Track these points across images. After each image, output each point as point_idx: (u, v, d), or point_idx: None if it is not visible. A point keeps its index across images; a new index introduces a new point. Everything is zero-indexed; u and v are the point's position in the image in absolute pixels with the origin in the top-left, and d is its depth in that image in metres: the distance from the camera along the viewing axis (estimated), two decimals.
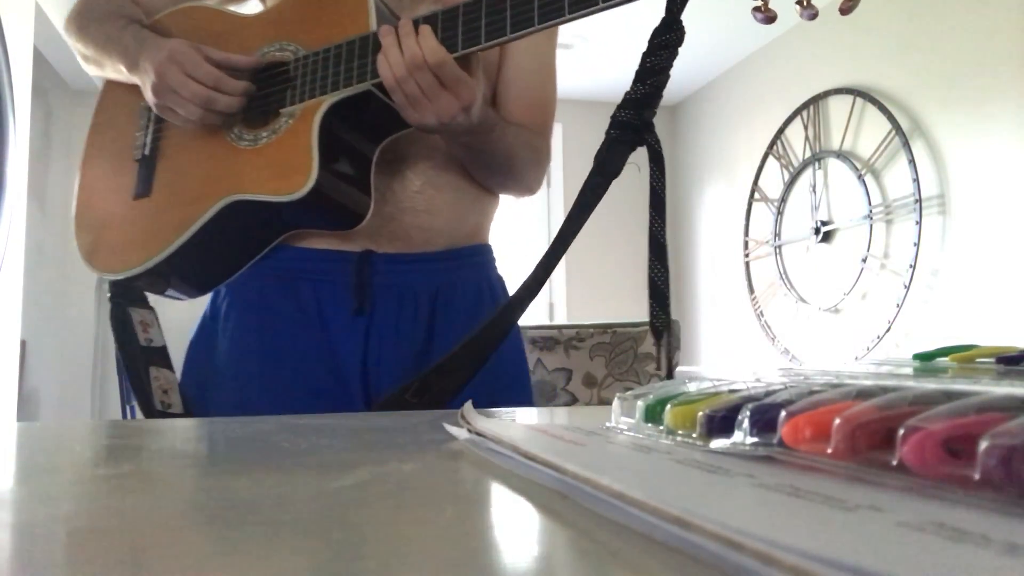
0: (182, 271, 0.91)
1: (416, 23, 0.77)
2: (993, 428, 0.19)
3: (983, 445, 0.19)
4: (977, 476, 0.19)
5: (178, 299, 0.99)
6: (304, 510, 0.25)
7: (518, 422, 0.49)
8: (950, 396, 0.23)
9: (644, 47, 0.71)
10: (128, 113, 0.97)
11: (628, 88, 0.71)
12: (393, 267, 0.89)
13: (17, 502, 0.28)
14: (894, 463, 0.22)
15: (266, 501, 0.27)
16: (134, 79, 0.91)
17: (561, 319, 4.55)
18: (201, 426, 0.57)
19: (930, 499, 0.20)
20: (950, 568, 0.14)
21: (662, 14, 0.70)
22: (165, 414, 0.87)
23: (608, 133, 0.72)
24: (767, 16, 0.70)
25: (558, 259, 0.76)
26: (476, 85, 0.78)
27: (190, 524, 0.24)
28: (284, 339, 0.89)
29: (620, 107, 0.72)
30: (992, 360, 0.35)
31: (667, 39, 0.70)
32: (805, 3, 0.70)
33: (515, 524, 0.24)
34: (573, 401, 1.51)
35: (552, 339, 1.59)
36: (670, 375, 0.75)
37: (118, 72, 0.94)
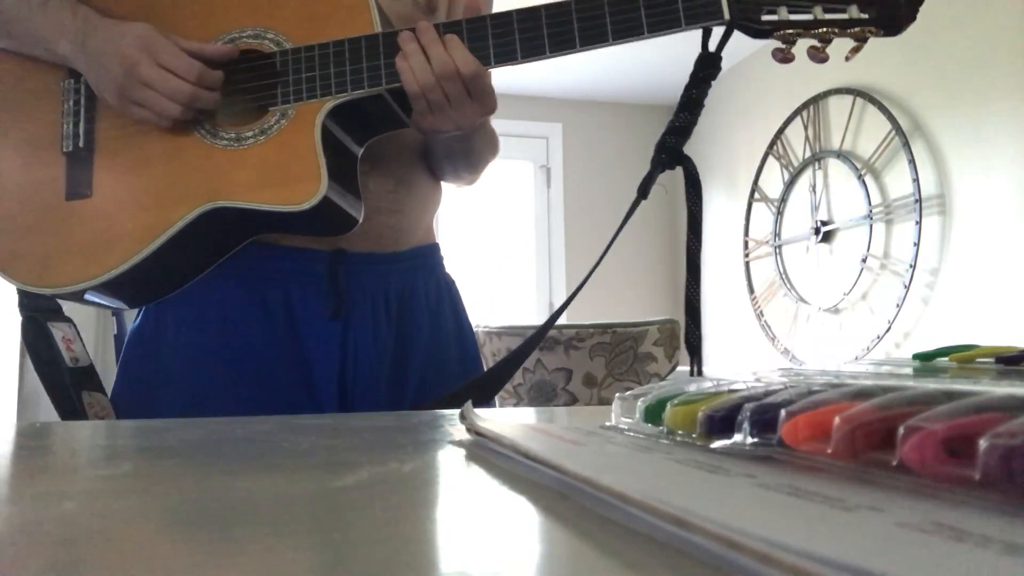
0: (136, 283, 0.81)
1: (439, 30, 0.74)
2: (993, 428, 0.19)
3: (983, 445, 0.19)
4: (977, 476, 0.19)
5: (106, 308, 0.88)
6: (304, 510, 0.25)
7: (518, 422, 0.49)
8: (950, 396, 0.23)
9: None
10: (37, 93, 0.83)
11: (673, 116, 0.77)
12: (366, 267, 0.85)
13: (17, 502, 0.28)
14: (894, 463, 0.22)
15: (266, 501, 0.27)
16: (71, 64, 0.80)
17: (561, 319, 4.54)
18: (201, 426, 0.57)
19: (930, 499, 0.20)
20: (950, 568, 0.14)
21: (703, 49, 0.76)
22: None
23: (658, 158, 0.76)
24: (786, 57, 0.74)
25: (591, 274, 0.81)
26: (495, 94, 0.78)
27: (190, 524, 0.24)
28: (250, 345, 0.81)
29: (667, 134, 0.76)
30: (992, 360, 0.35)
31: (709, 73, 0.75)
32: (821, 49, 0.74)
33: (515, 524, 0.24)
34: (573, 401, 1.51)
35: (552, 339, 1.59)
36: None
37: (39, 49, 0.81)
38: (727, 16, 0.71)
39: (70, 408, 0.79)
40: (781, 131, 3.89)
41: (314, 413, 0.79)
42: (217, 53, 0.78)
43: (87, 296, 0.82)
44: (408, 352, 0.86)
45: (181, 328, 0.83)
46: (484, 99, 0.76)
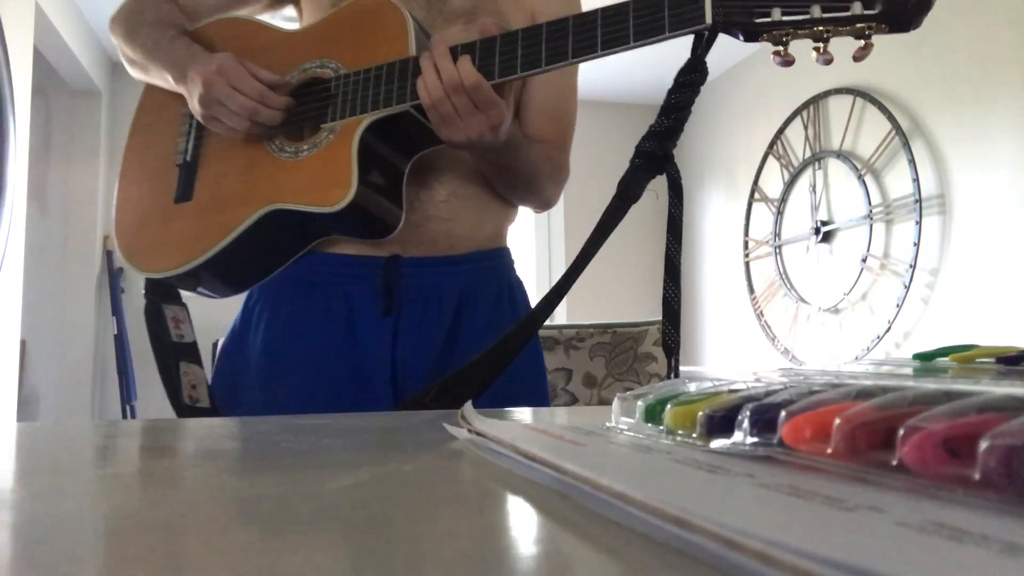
0: (219, 273, 0.95)
1: (455, 51, 0.82)
2: (993, 428, 0.19)
3: (983, 445, 0.19)
4: (977, 476, 0.19)
5: (210, 297, 1.02)
6: (304, 510, 0.25)
7: (518, 422, 0.49)
8: (950, 396, 0.23)
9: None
10: (169, 119, 1.02)
11: (655, 120, 0.77)
12: (418, 270, 0.94)
13: (17, 502, 0.28)
14: (894, 463, 0.22)
15: (266, 501, 0.27)
16: (179, 89, 0.95)
17: (561, 319, 4.55)
18: (201, 426, 0.57)
19: (930, 499, 0.20)
20: (950, 568, 0.14)
21: (690, 55, 0.74)
22: (193, 408, 0.91)
23: (633, 161, 0.77)
24: (785, 60, 0.72)
25: (578, 275, 0.80)
26: (506, 107, 0.84)
27: (189, 524, 0.24)
28: (314, 341, 0.93)
29: (645, 138, 0.77)
30: (992, 360, 0.35)
31: (691, 78, 0.74)
32: (822, 49, 0.71)
33: (515, 524, 0.24)
34: (573, 401, 1.51)
35: (552, 339, 1.59)
36: None
37: (163, 80, 0.99)
38: (709, 21, 0.71)
39: (167, 374, 0.92)
40: (781, 131, 3.89)
41: (370, 403, 0.89)
42: (282, 81, 0.92)
43: (185, 283, 0.96)
44: (456, 350, 0.94)
45: (261, 325, 0.96)
46: (489, 110, 0.82)
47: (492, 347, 0.79)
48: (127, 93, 4.15)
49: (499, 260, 1.03)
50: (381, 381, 0.91)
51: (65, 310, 3.91)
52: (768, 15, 0.70)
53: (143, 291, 0.97)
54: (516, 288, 1.04)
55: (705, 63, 0.74)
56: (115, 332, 3.92)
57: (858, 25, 0.68)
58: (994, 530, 0.16)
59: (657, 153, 0.76)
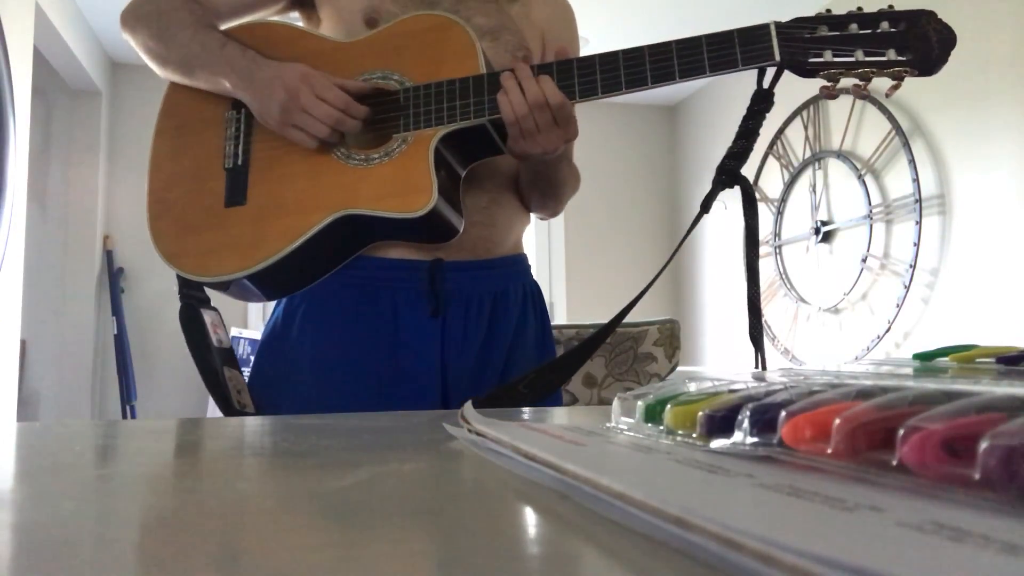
0: (274, 278, 0.96)
1: (534, 71, 0.88)
2: (993, 428, 0.19)
3: (983, 445, 0.19)
4: (977, 476, 0.19)
5: (243, 300, 1.03)
6: (304, 510, 0.25)
7: (518, 422, 0.49)
8: (950, 396, 0.23)
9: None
10: (206, 122, 1.01)
11: (731, 143, 0.89)
12: (460, 274, 0.99)
13: (17, 502, 0.28)
14: (894, 463, 0.22)
15: (266, 501, 0.27)
16: (237, 94, 0.96)
17: (561, 319, 4.55)
18: (201, 427, 0.57)
19: (930, 499, 0.20)
20: (950, 568, 0.14)
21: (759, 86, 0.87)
22: (242, 414, 0.93)
23: (719, 178, 0.88)
24: (830, 95, 0.85)
25: (660, 272, 0.92)
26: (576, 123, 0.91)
27: (189, 524, 0.24)
28: (362, 342, 0.96)
29: (727, 158, 0.87)
30: (992, 360, 0.35)
31: (763, 107, 0.87)
32: (864, 87, 0.84)
33: (515, 524, 0.24)
34: (573, 401, 1.51)
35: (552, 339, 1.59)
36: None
37: (212, 84, 0.98)
38: (778, 58, 0.84)
39: (214, 379, 0.95)
40: (781, 131, 3.89)
41: (417, 401, 0.93)
42: (356, 87, 0.94)
43: (232, 287, 0.97)
44: (493, 350, 1.00)
45: (306, 327, 0.98)
46: (568, 126, 0.90)
47: (586, 340, 0.89)
48: (127, 93, 4.14)
49: (523, 265, 1.10)
50: (430, 381, 0.95)
51: (65, 310, 3.91)
52: (821, 56, 0.83)
53: (178, 296, 0.97)
54: (535, 291, 1.10)
55: (773, 94, 0.87)
56: (115, 332, 3.92)
57: (893, 68, 0.82)
58: (994, 530, 0.16)
59: (736, 171, 0.87)
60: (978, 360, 0.36)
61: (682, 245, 0.89)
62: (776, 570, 0.15)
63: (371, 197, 0.90)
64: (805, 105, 3.71)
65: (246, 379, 1.01)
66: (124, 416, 3.88)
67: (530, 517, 0.25)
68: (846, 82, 0.86)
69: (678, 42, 0.86)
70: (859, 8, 0.85)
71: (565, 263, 4.57)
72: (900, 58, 0.82)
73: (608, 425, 0.38)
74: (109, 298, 3.98)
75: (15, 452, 0.43)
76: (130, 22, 1.04)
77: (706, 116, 4.48)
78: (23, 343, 3.53)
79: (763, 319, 0.84)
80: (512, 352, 1.02)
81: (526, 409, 0.78)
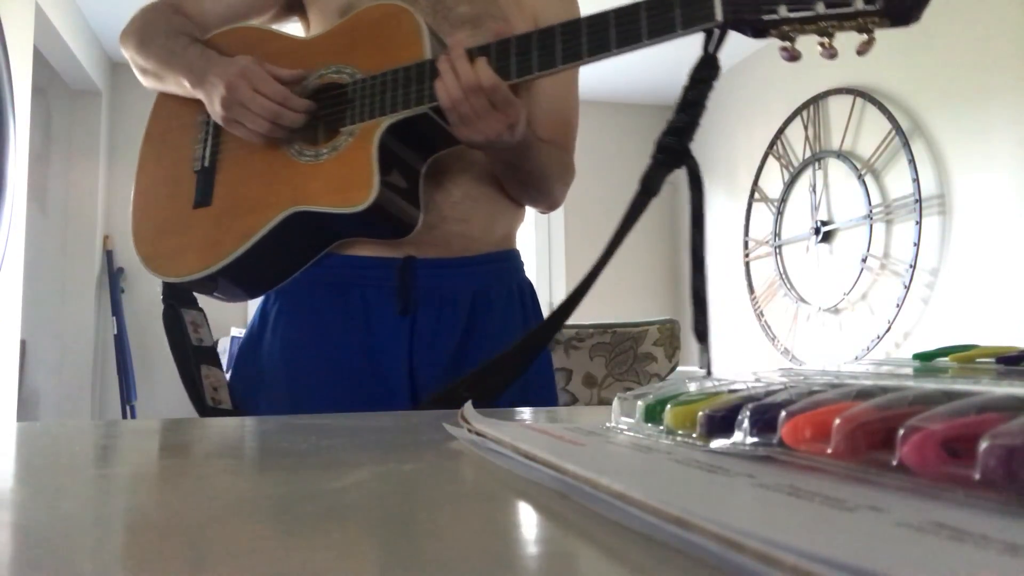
0: (238, 276, 0.96)
1: (472, 54, 0.84)
2: (993, 428, 0.19)
3: (983, 445, 0.19)
4: (977, 476, 0.19)
5: (226, 301, 1.03)
6: (304, 510, 0.25)
7: (518, 422, 0.49)
8: (950, 396, 0.23)
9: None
10: (184, 126, 1.02)
11: (672, 116, 0.78)
12: (434, 271, 0.96)
13: (17, 502, 0.28)
14: (894, 463, 0.22)
15: (266, 501, 0.27)
16: (196, 94, 0.96)
17: None
18: (202, 427, 0.57)
19: (930, 499, 0.20)
20: (950, 568, 0.14)
21: (702, 52, 0.76)
22: (216, 411, 0.93)
23: (654, 157, 0.79)
24: (792, 55, 0.74)
25: (602, 269, 0.82)
26: (521, 107, 0.86)
27: (189, 524, 0.24)
28: (332, 340, 0.94)
29: (665, 134, 0.79)
30: (992, 360, 0.35)
31: (706, 74, 0.77)
32: (827, 44, 0.73)
33: (515, 524, 0.24)
34: (573, 401, 1.51)
35: (552, 339, 1.59)
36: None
37: (180, 87, 0.99)
38: (720, 18, 0.73)
39: (188, 377, 0.94)
40: (781, 131, 3.89)
41: (388, 400, 0.91)
42: (293, 77, 0.92)
43: (207, 287, 0.97)
44: (471, 351, 0.95)
45: (279, 326, 0.97)
46: (507, 110, 0.84)
47: (522, 340, 0.82)
48: (127, 93, 4.15)
49: (510, 262, 1.06)
50: (399, 381, 0.93)
51: (65, 310, 3.91)
52: (775, 12, 0.72)
53: (160, 297, 0.98)
54: (527, 289, 1.06)
55: (717, 59, 0.76)
56: (115, 332, 3.92)
57: (860, 20, 0.70)
58: (994, 530, 0.16)
59: (676, 148, 0.78)
60: (978, 360, 0.36)
61: (627, 233, 0.80)
62: (776, 570, 0.15)
63: (318, 193, 0.89)
64: (805, 105, 3.71)
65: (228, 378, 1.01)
66: (124, 416, 3.88)
67: (530, 517, 0.25)
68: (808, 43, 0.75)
69: (617, 10, 0.79)
70: None
71: (565, 263, 4.57)
72: (868, 7, 0.69)
73: (608, 425, 0.38)
74: (109, 298, 3.98)
75: (15, 452, 0.43)
76: (123, 39, 1.06)
77: (706, 116, 4.48)
78: (23, 343, 3.53)
79: (708, 312, 0.83)
80: (491, 353, 0.99)
81: (526, 409, 0.78)
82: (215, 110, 0.92)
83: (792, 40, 0.73)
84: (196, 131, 1.01)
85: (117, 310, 3.95)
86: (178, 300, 0.98)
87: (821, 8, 0.70)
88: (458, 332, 0.96)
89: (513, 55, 0.83)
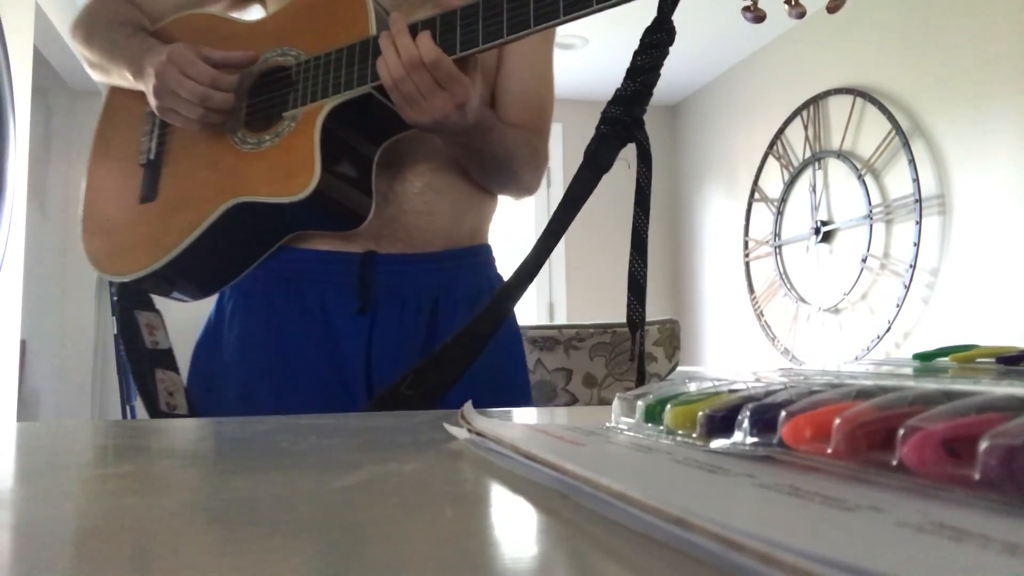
0: (188, 273, 0.92)
1: (414, 27, 0.79)
2: (993, 428, 0.19)
3: (983, 445, 0.19)
4: (977, 476, 0.19)
5: (183, 301, 0.99)
6: (304, 510, 0.25)
7: (518, 422, 0.49)
8: (950, 396, 0.23)
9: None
10: (132, 119, 0.99)
11: (620, 85, 0.73)
12: (395, 267, 0.90)
13: (17, 502, 0.28)
14: (894, 463, 0.22)
15: (266, 501, 0.27)
16: (139, 86, 0.92)
17: (561, 319, 4.55)
18: (201, 426, 0.57)
19: (930, 499, 0.20)
20: (950, 568, 0.14)
21: (656, 14, 0.71)
22: (170, 415, 0.89)
23: (598, 128, 0.74)
24: (756, 16, 0.72)
25: (549, 251, 0.76)
26: (471, 84, 0.80)
27: (189, 524, 0.24)
28: (289, 339, 0.90)
29: (610, 103, 0.73)
30: (992, 360, 0.35)
31: (657, 38, 0.71)
32: (793, 2, 0.70)
33: (515, 524, 0.24)
34: (573, 401, 1.51)
35: (552, 339, 1.59)
36: (640, 374, 0.76)
37: (124, 78, 0.95)
38: None
39: (142, 381, 0.91)
40: (781, 131, 3.89)
41: (346, 402, 0.86)
42: (236, 60, 0.88)
43: (162, 287, 0.94)
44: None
45: (235, 323, 0.93)
46: (453, 87, 0.78)
47: (462, 329, 0.75)
48: None
49: (479, 257, 0.99)
50: (356, 382, 0.88)
51: (65, 310, 3.90)
52: None
53: (114, 298, 0.95)
54: (497, 285, 0.98)
55: (672, 22, 0.71)
56: (115, 332, 3.91)
57: None
58: (994, 530, 0.16)
59: (625, 119, 0.73)
60: (978, 360, 0.36)
61: (571, 216, 0.74)
62: (776, 570, 0.15)
63: (257, 182, 0.85)
64: (805, 105, 3.71)
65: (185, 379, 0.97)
66: (124, 416, 3.87)
67: (530, 517, 0.25)
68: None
69: None
70: None
71: (565, 263, 4.57)
72: None
73: (608, 425, 0.38)
74: (109, 298, 3.98)
75: (15, 452, 0.43)
76: (72, 31, 1.02)
77: (706, 116, 4.48)
78: (23, 343, 3.52)
79: (646, 301, 0.72)
80: None
81: (525, 410, 0.78)
82: (151, 100, 0.88)
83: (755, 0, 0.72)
84: (143, 124, 0.97)
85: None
86: (132, 301, 0.95)
87: None
88: (421, 332, 0.91)
89: (458, 28, 0.78)
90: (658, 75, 0.72)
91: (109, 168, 0.99)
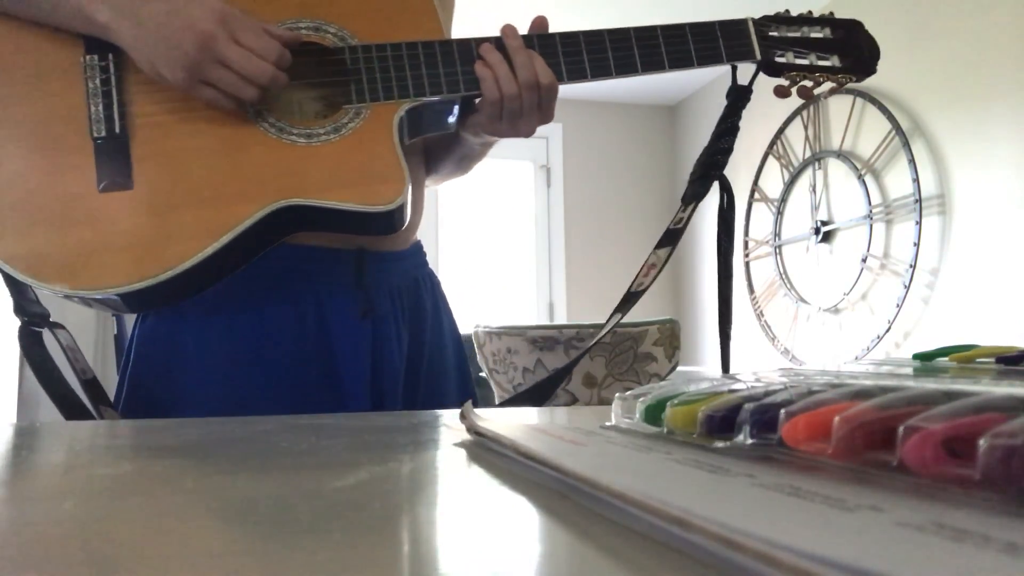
0: (189, 285, 0.74)
1: (529, 42, 0.78)
2: (993, 428, 0.19)
3: (983, 445, 0.19)
4: (977, 476, 0.19)
5: (115, 312, 0.82)
6: (304, 510, 0.25)
7: (518, 422, 0.49)
8: (950, 396, 0.23)
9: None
10: (53, 70, 0.73)
11: (716, 139, 0.91)
12: (381, 266, 0.85)
13: (17, 502, 0.28)
14: (894, 463, 0.22)
15: (266, 501, 0.27)
16: (108, 34, 0.71)
17: (561, 319, 4.54)
18: (201, 426, 0.57)
19: (930, 499, 0.20)
20: (950, 568, 0.14)
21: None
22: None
23: (711, 174, 0.90)
24: (784, 93, 0.88)
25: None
26: None
27: (190, 524, 0.24)
28: (283, 354, 0.79)
29: (718, 154, 0.90)
30: (992, 360, 0.35)
31: (744, 103, 0.90)
32: (811, 89, 0.88)
33: (515, 524, 0.24)
34: (573, 401, 1.51)
35: (552, 339, 1.59)
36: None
37: (67, 19, 0.72)
38: (759, 56, 0.86)
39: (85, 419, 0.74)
40: (781, 131, 3.88)
41: (346, 407, 0.78)
42: (286, 37, 0.73)
43: (139, 303, 0.77)
44: (419, 349, 0.87)
45: (207, 341, 0.78)
46: (548, 111, 0.80)
47: (593, 343, 0.90)
48: None
49: (423, 253, 0.96)
50: (360, 387, 0.80)
51: (65, 310, 3.90)
52: (784, 56, 0.87)
53: (13, 312, 0.76)
54: (436, 281, 0.96)
55: (752, 89, 0.89)
56: (115, 332, 3.92)
57: (839, 75, 0.87)
58: (994, 530, 0.16)
59: (721, 164, 0.89)
60: (978, 360, 0.36)
61: (683, 234, 0.91)
62: (776, 570, 0.15)
63: (322, 184, 0.72)
64: (805, 105, 3.71)
65: (119, 373, 0.84)
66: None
67: (530, 517, 0.25)
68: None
69: (663, 28, 0.80)
70: (809, 11, 0.89)
71: (565, 263, 4.57)
72: (840, 64, 0.86)
73: (608, 425, 0.38)
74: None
75: (15, 452, 0.43)
76: None
77: (706, 116, 4.48)
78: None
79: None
80: (432, 353, 0.89)
81: (525, 410, 0.78)
82: (173, 65, 0.69)
83: (794, 83, 0.88)
84: (79, 80, 0.73)
85: (119, 314, 3.95)
86: (36, 317, 0.77)
87: (813, 59, 0.87)
88: (406, 331, 0.86)
89: (561, 55, 0.78)
90: (739, 129, 0.91)
91: (22, 138, 0.73)
